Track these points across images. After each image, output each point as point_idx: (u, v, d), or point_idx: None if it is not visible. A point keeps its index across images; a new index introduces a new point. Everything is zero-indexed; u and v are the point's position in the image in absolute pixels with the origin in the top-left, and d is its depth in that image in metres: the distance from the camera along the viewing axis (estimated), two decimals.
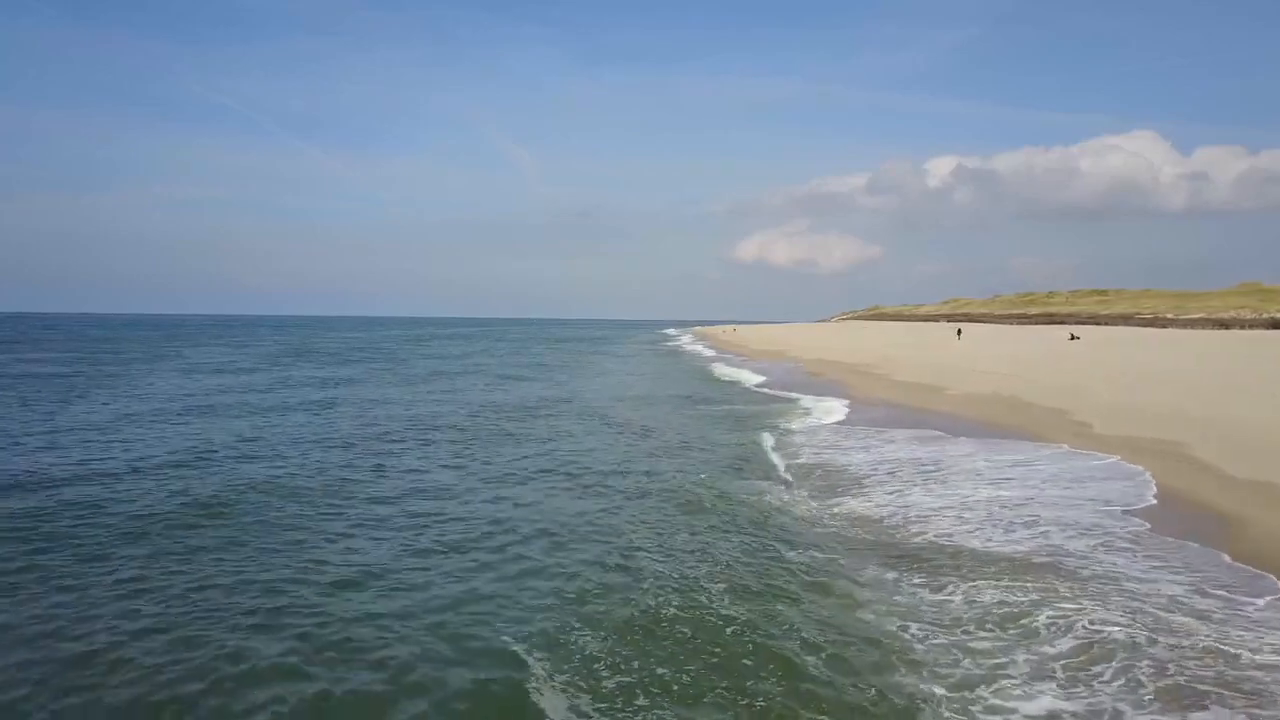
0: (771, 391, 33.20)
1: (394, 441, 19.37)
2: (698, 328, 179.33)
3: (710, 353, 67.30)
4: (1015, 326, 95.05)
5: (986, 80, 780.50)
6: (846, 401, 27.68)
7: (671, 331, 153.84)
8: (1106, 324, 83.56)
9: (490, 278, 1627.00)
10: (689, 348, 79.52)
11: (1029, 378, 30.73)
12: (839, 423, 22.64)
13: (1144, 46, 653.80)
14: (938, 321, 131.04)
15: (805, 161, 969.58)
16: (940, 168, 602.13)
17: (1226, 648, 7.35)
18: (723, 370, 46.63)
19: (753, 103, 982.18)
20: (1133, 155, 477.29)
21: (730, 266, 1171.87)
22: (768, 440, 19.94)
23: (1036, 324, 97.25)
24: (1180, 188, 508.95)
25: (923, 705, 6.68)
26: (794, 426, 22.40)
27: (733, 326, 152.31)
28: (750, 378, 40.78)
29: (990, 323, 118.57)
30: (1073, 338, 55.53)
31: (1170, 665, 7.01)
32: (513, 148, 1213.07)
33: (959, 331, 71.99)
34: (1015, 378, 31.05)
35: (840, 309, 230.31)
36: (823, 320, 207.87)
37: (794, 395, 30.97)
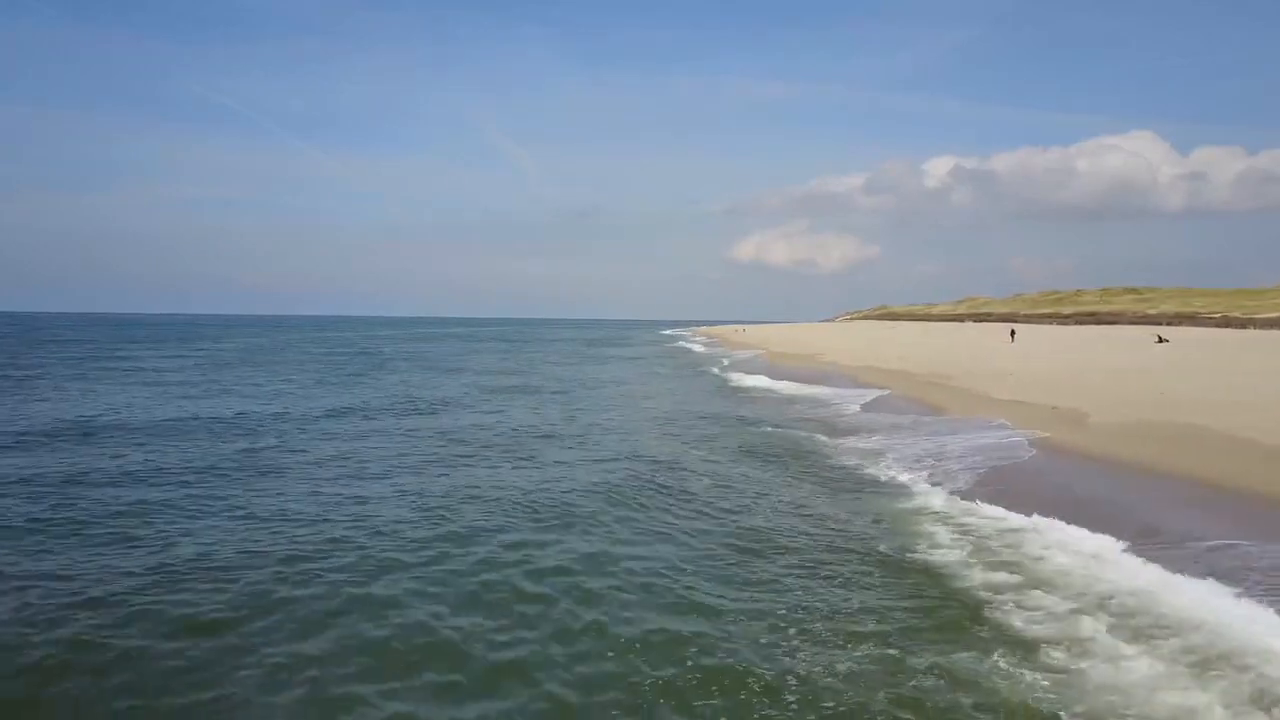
0: (871, 416, 25.30)
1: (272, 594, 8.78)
2: (701, 328, 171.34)
3: (731, 357, 59.24)
4: (1055, 327, 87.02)
5: (985, 80, 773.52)
6: (999, 443, 19.70)
7: (676, 333, 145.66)
8: (1161, 324, 75.59)
9: (490, 278, 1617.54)
10: (704, 351, 71.58)
11: (1190, 399, 22.75)
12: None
13: (1143, 47, 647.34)
14: (961, 321, 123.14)
15: (804, 162, 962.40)
16: (938, 168, 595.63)
17: None
18: (771, 385, 38.47)
19: (752, 103, 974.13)
20: (1131, 155, 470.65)
21: (729, 266, 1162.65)
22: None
23: (1079, 324, 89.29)
24: (1179, 188, 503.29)
25: None
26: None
27: (742, 327, 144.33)
28: (813, 396, 32.94)
29: (1021, 323, 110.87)
30: (1160, 340, 47.64)
31: None
32: (513, 148, 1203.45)
33: (1013, 333, 64.10)
34: (1168, 401, 23.08)
35: (839, 309, 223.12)
36: (826, 320, 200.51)
37: (890, 420, 23.05)
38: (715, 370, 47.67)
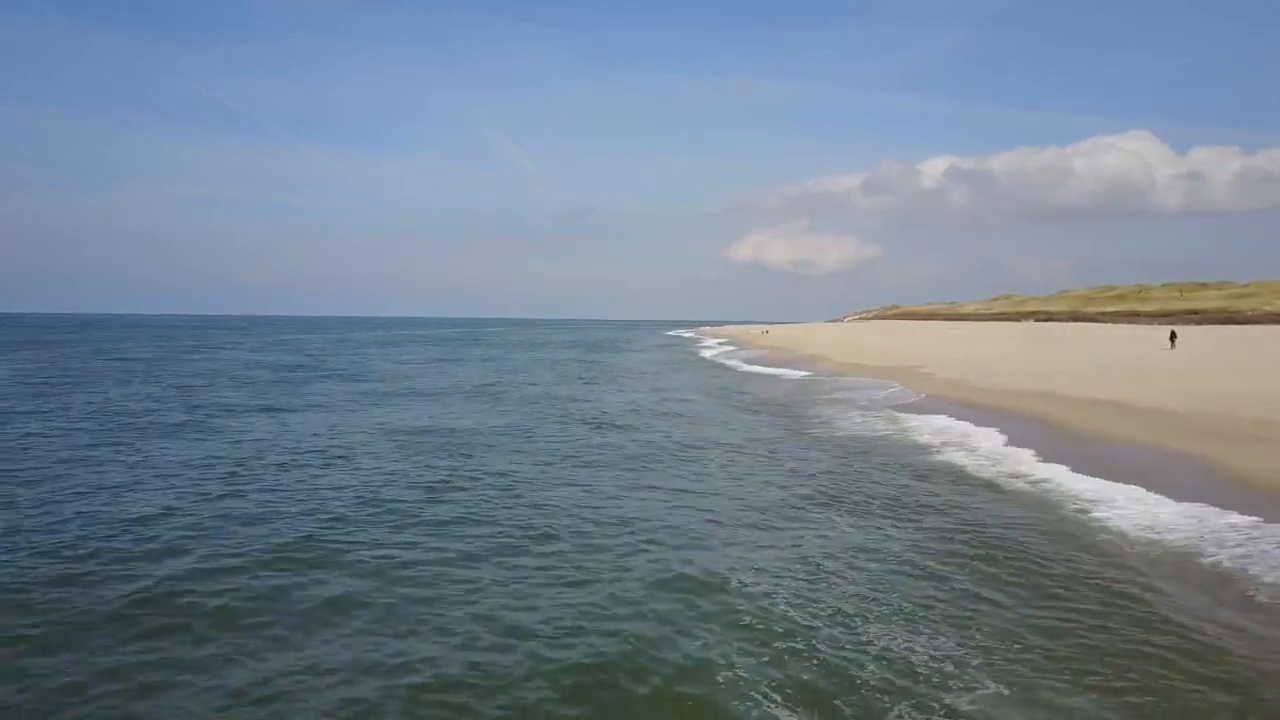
0: None
1: None
2: (706, 328, 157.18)
3: (794, 373, 43.62)
4: (1164, 328, 71.58)
5: (982, 80, 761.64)
6: None
7: (685, 335, 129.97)
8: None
9: (488, 278, 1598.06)
10: (746, 364, 55.76)
11: None
12: None
13: (1140, 47, 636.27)
14: (1020, 321, 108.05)
15: (801, 162, 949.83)
16: (935, 168, 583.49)
17: None
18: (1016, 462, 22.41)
19: (751, 103, 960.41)
20: (1129, 155, 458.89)
21: (727, 267, 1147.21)
22: None
23: (1191, 323, 73.92)
24: (1176, 188, 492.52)
25: None
26: None
27: (765, 328, 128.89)
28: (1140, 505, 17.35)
29: (1085, 321, 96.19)
30: None
31: None
32: (512, 148, 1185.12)
33: (1172, 336, 48.98)
34: None
35: (839, 309, 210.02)
36: (834, 321, 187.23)
37: None
38: (812, 411, 32.06)
